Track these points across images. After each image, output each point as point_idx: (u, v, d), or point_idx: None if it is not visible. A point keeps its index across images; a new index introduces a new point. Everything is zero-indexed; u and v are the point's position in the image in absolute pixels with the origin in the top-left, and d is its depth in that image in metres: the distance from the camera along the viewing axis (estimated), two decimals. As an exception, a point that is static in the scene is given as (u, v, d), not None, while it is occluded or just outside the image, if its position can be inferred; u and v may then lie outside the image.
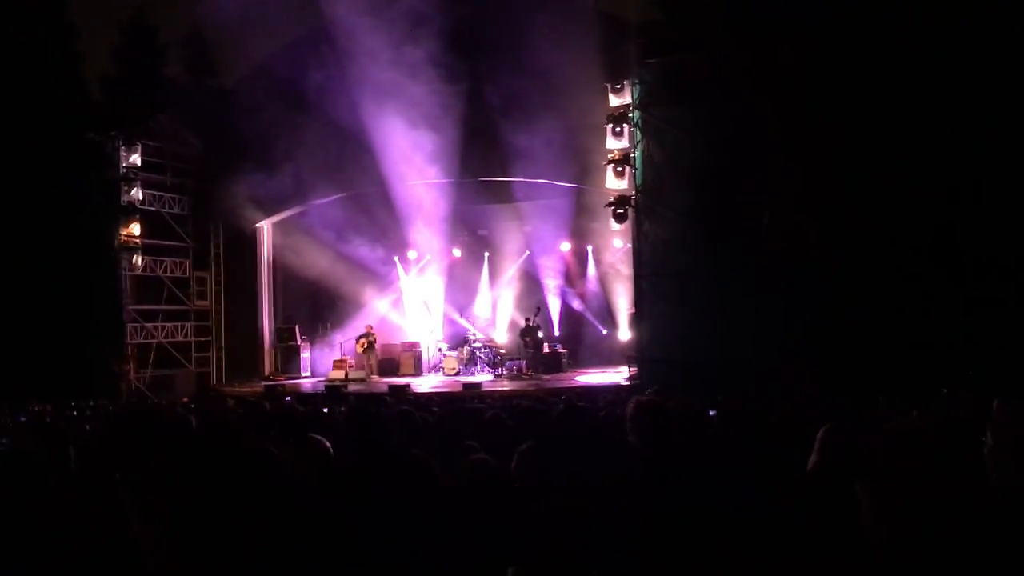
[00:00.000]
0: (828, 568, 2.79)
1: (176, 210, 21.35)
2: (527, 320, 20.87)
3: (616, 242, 21.22)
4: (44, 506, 3.32)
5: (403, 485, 3.32)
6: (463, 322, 23.19)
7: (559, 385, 17.80)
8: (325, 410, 8.30)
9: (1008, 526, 2.49)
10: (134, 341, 19.89)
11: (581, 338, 23.07)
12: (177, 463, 4.96)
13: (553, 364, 20.87)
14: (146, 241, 20.00)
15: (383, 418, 5.67)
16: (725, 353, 14.58)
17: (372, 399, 9.64)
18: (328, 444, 3.56)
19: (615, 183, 16.86)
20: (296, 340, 22.48)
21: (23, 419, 9.39)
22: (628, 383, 16.59)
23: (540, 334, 20.77)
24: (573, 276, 23.18)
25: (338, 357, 21.59)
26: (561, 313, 22.88)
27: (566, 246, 22.51)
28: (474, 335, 22.20)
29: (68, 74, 19.68)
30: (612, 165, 16.77)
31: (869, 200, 14.05)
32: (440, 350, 22.30)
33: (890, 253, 13.94)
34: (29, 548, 3.05)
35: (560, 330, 22.73)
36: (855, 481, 2.63)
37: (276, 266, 23.12)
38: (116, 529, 3.04)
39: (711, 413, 6.53)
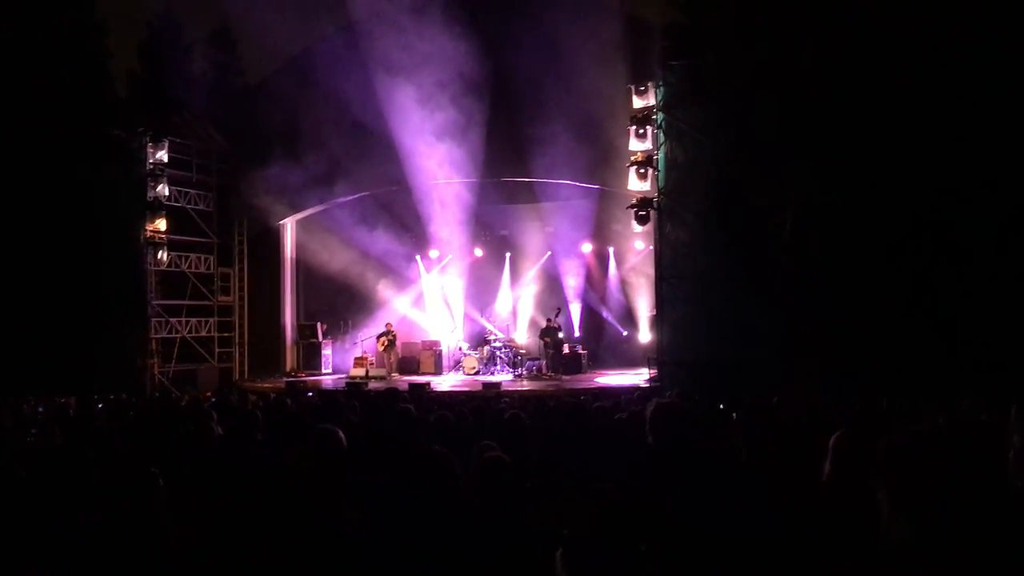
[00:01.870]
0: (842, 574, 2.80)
1: (201, 206, 21.55)
2: (547, 320, 20.89)
3: (638, 244, 21.20)
4: (72, 495, 3.39)
5: (422, 481, 3.36)
6: (484, 322, 23.25)
7: (578, 386, 17.79)
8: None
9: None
10: (158, 336, 20.10)
11: (601, 339, 23.06)
12: (200, 456, 5.05)
13: (573, 365, 20.85)
14: (171, 237, 20.20)
15: (400, 415, 5.73)
16: (745, 355, 14.54)
17: (391, 397, 9.69)
18: (342, 435, 3.61)
19: (637, 185, 16.85)
20: (318, 337, 22.64)
21: (41, 409, 9.51)
22: (648, 385, 16.57)
23: (560, 335, 20.77)
24: (594, 277, 23.16)
25: (359, 354, 21.71)
26: (582, 314, 22.87)
27: (588, 247, 22.50)
28: (494, 335, 22.25)
29: (95, 70, 19.93)
30: (635, 167, 16.75)
31: (891, 203, 13.98)
32: (460, 349, 22.36)
33: (911, 255, 13.86)
34: (60, 537, 3.12)
35: (580, 331, 22.72)
36: (873, 485, 2.65)
37: (299, 263, 23.32)
38: (146, 519, 3.11)
39: (733, 415, 6.54)
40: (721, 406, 7.21)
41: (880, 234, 14.11)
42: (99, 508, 3.27)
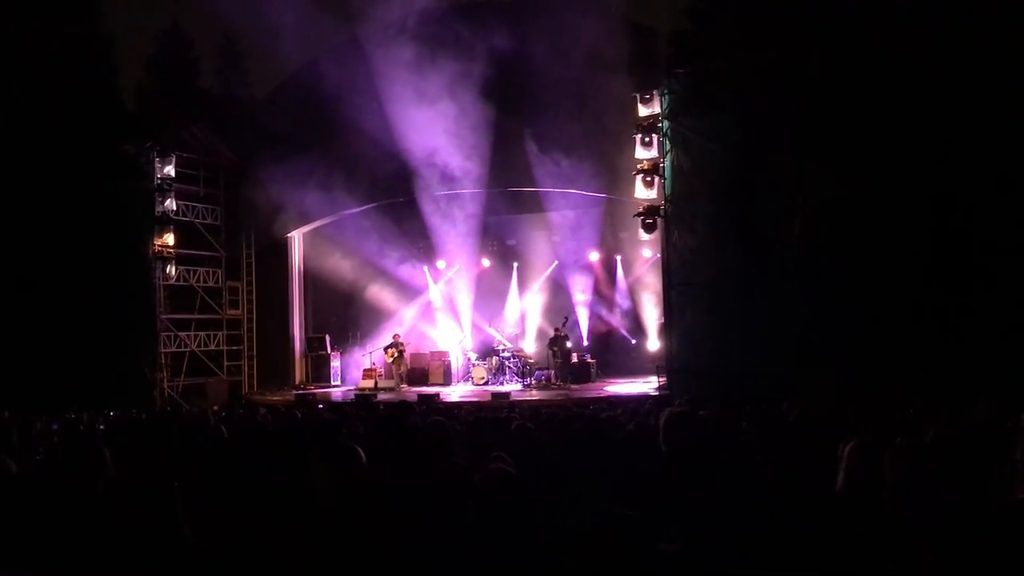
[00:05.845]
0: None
1: (209, 220, 21.60)
2: (556, 330, 20.86)
3: (645, 252, 21.18)
4: (85, 511, 3.38)
5: (442, 493, 3.33)
6: (492, 332, 23.22)
7: (587, 395, 17.75)
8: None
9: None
10: (167, 350, 20.11)
11: (610, 348, 23.01)
12: (211, 468, 5.04)
13: (582, 374, 20.81)
14: (179, 251, 20.22)
15: (411, 427, 5.70)
16: (755, 362, 14.46)
17: (401, 408, 9.68)
18: (362, 452, 3.58)
19: (644, 193, 16.82)
20: (326, 349, 22.67)
21: (56, 427, 9.48)
22: (657, 393, 16.51)
23: (568, 344, 20.74)
24: (602, 286, 23.14)
25: (367, 366, 21.71)
26: (590, 323, 22.84)
27: (595, 256, 22.48)
28: (503, 345, 22.22)
29: (104, 85, 19.99)
30: (641, 175, 16.73)
31: (899, 207, 13.90)
32: (469, 359, 22.33)
33: (920, 260, 13.78)
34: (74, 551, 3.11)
35: (589, 340, 22.69)
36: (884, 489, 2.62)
37: (307, 275, 23.35)
38: (165, 532, 3.09)
39: (743, 423, 6.50)
40: (733, 414, 7.16)
41: (891, 239, 14.02)
42: (111, 522, 3.26)
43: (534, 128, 18.21)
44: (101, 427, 9.12)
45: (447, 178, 19.08)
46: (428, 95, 17.81)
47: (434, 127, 18.07)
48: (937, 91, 13.53)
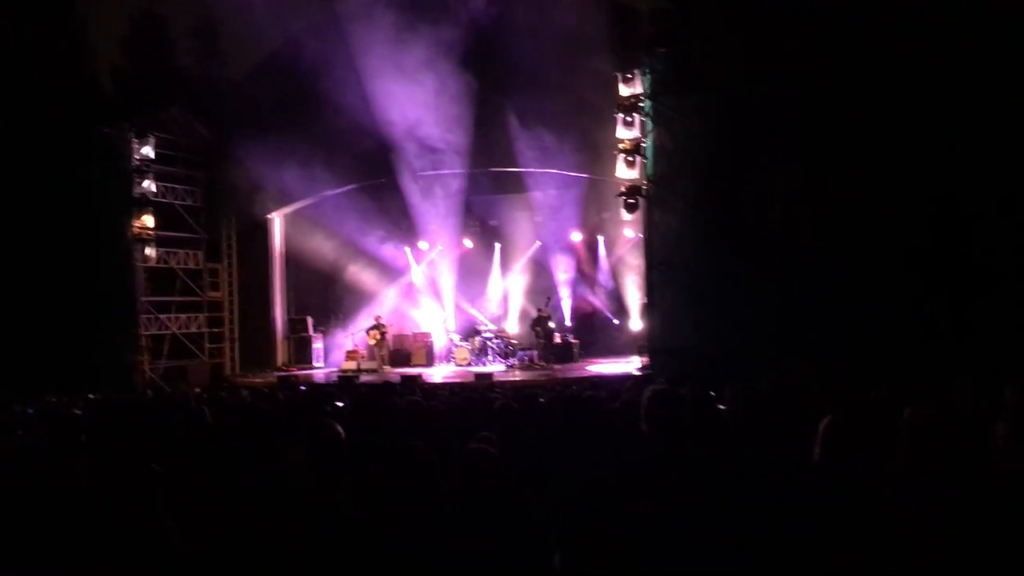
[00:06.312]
0: (833, 557, 2.79)
1: (188, 202, 21.42)
2: (538, 310, 20.88)
3: (627, 232, 21.17)
4: (59, 495, 3.36)
5: (402, 477, 3.33)
6: (474, 312, 23.22)
7: (570, 375, 17.80)
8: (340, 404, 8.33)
9: (1019, 511, 2.49)
10: (148, 332, 19.99)
11: (593, 328, 23.06)
12: (194, 453, 5.01)
13: (565, 354, 20.87)
14: (159, 233, 20.05)
15: (392, 408, 5.69)
16: (736, 343, 14.49)
17: (383, 389, 9.67)
18: (341, 431, 3.57)
19: (626, 173, 16.77)
20: (308, 331, 22.61)
21: (31, 411, 9.39)
22: (640, 373, 16.56)
23: (551, 324, 20.77)
24: (584, 266, 23.16)
25: (350, 347, 21.67)
26: (573, 303, 22.88)
27: (577, 236, 22.47)
28: (485, 325, 22.22)
29: (79, 66, 19.74)
30: (623, 155, 16.67)
31: (879, 190, 13.92)
32: (452, 340, 22.33)
33: (899, 243, 13.82)
34: (51, 536, 3.09)
35: (571, 320, 22.73)
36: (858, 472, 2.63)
37: (288, 257, 23.22)
38: (144, 517, 3.07)
39: (720, 406, 6.52)
40: (712, 393, 7.18)
41: (871, 221, 14.04)
42: (91, 507, 3.24)
43: (516, 103, 18.10)
44: (78, 412, 9.03)
45: (429, 151, 18.92)
46: (409, 69, 17.62)
47: (415, 100, 17.90)
48: (917, 79, 13.51)
